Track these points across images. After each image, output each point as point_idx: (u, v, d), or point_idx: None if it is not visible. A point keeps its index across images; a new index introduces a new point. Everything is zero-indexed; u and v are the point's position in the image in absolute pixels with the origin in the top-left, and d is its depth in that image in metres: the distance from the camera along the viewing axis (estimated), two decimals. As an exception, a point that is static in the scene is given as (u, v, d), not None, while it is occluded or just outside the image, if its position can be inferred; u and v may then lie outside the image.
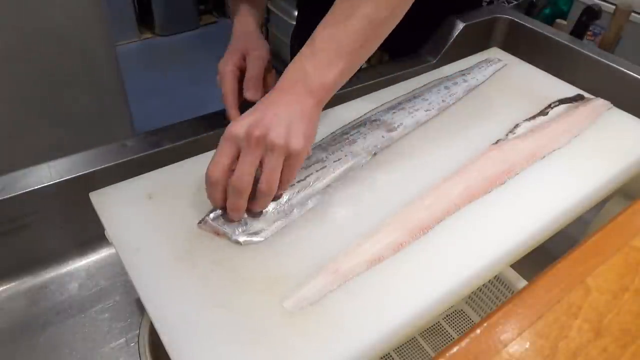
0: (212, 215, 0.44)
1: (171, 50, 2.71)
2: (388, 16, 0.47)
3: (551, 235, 0.47)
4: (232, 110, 0.57)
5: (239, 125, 0.42)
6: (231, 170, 0.42)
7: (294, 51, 0.91)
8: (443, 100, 0.61)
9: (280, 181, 0.43)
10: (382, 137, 0.55)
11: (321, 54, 0.45)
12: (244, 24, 0.65)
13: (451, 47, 0.77)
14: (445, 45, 0.77)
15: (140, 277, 0.40)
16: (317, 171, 0.49)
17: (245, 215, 0.44)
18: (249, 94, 0.57)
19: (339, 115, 0.59)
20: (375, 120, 0.57)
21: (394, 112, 0.58)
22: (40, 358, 0.50)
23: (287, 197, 0.46)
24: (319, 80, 0.45)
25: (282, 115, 0.43)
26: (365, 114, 0.59)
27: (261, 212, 0.45)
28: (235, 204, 0.43)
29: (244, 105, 0.52)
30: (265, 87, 0.59)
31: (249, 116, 0.43)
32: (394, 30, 0.50)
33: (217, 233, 0.44)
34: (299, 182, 0.48)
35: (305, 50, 0.47)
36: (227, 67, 0.58)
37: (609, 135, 0.58)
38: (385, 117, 0.57)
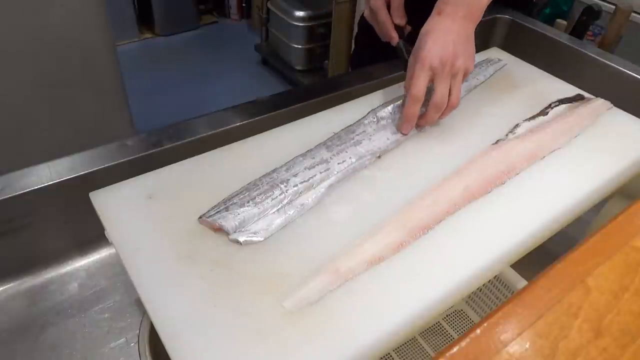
0: (212, 211, 0.44)
1: (171, 50, 2.71)
2: None
3: (551, 235, 0.47)
4: (393, 33, 0.66)
5: (432, 56, 0.53)
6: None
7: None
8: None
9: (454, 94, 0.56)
10: (387, 139, 0.55)
11: None
12: None
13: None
14: (473, 43, 0.77)
15: (140, 277, 0.40)
16: (320, 173, 0.49)
17: (245, 214, 0.44)
18: (397, 20, 0.67)
19: (340, 115, 0.59)
20: (380, 122, 0.57)
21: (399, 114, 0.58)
22: (40, 358, 0.50)
23: (287, 197, 0.46)
24: (477, 4, 0.55)
25: (459, 43, 0.54)
26: (368, 114, 0.58)
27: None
28: (434, 117, 0.55)
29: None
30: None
31: (434, 46, 0.53)
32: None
33: (216, 228, 0.44)
34: (301, 182, 0.48)
35: None
36: (379, 2, 0.67)
37: (609, 135, 0.58)
38: (390, 118, 0.57)
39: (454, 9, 0.55)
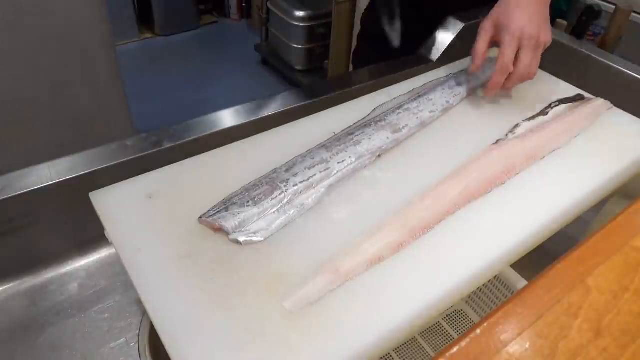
0: (212, 211, 0.44)
1: (171, 50, 2.71)
2: None
3: (551, 235, 0.47)
4: None
5: (521, 28, 0.57)
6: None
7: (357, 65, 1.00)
8: (447, 101, 0.61)
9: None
10: (387, 138, 0.55)
11: None
12: None
13: (451, 47, 0.77)
14: (445, 45, 0.77)
15: (140, 277, 0.40)
16: (320, 172, 0.49)
17: (245, 214, 0.44)
18: None
19: (340, 114, 0.59)
20: (380, 121, 0.57)
21: (399, 113, 0.58)
22: (40, 358, 0.50)
23: (287, 197, 0.46)
24: None
25: (542, 18, 0.58)
26: (370, 114, 0.58)
27: None
28: (515, 84, 0.60)
29: None
30: None
31: (522, 19, 0.57)
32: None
33: (216, 228, 0.44)
34: (301, 182, 0.48)
35: None
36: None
37: (609, 135, 0.58)
38: (390, 118, 0.57)
39: None
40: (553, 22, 1.13)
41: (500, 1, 0.60)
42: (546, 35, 0.58)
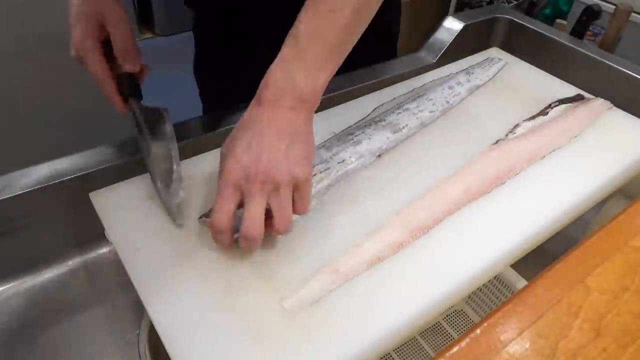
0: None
1: (171, 50, 2.71)
2: (373, 2, 0.42)
3: (551, 235, 0.47)
4: (116, 98, 0.49)
5: (237, 169, 0.38)
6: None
7: (203, 84, 0.81)
8: (447, 102, 0.61)
9: (296, 211, 0.41)
10: (387, 138, 0.55)
11: (309, 56, 0.39)
12: None
13: (451, 47, 0.77)
14: (445, 45, 0.77)
15: (140, 277, 0.40)
16: (320, 172, 0.49)
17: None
18: (128, 66, 0.49)
19: (340, 114, 0.59)
20: (380, 121, 0.57)
21: (399, 113, 0.58)
22: (40, 358, 0.50)
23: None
24: (310, 86, 0.40)
25: (278, 144, 0.38)
26: (370, 114, 0.58)
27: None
28: (251, 247, 0.40)
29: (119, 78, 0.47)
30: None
31: (243, 154, 0.38)
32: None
33: None
34: None
35: (287, 52, 0.40)
36: (87, 44, 0.47)
37: (609, 135, 0.58)
38: (390, 117, 0.57)
39: (275, 96, 0.39)
40: (553, 22, 1.14)
41: None
42: (288, 171, 0.38)
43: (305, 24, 0.40)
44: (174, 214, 0.44)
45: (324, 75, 0.41)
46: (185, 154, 0.52)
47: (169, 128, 0.49)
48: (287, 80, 0.40)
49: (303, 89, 0.40)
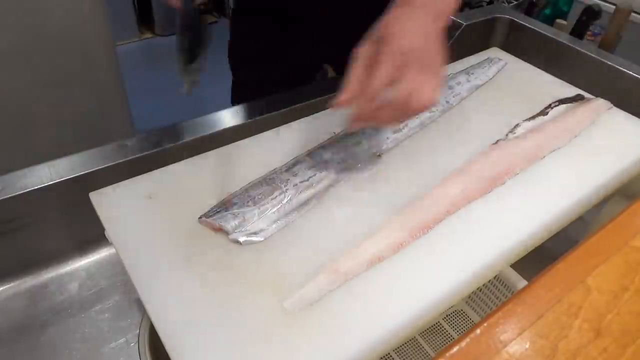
0: (212, 211, 0.44)
1: (171, 50, 2.69)
2: None
3: (551, 235, 0.47)
4: None
5: (405, 42, 0.43)
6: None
7: (236, 67, 0.93)
8: (447, 102, 0.61)
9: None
10: (387, 138, 0.55)
11: None
12: None
13: (451, 47, 0.77)
14: (445, 45, 0.77)
15: (140, 277, 0.40)
16: (320, 172, 0.49)
17: (245, 214, 0.44)
18: None
19: (340, 115, 0.59)
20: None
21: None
22: (40, 358, 0.50)
23: (287, 197, 0.46)
24: (447, 4, 0.47)
25: (432, 38, 0.45)
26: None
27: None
28: (396, 116, 0.45)
29: None
30: None
31: (404, 35, 0.43)
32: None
33: (216, 228, 0.44)
34: (301, 182, 0.48)
35: None
36: None
37: (609, 135, 0.58)
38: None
39: (421, 2, 0.46)
40: (553, 22, 1.14)
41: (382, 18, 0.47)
42: (438, 56, 0.45)
43: None
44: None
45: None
46: (185, 154, 0.52)
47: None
48: None
49: (442, 4, 0.46)
